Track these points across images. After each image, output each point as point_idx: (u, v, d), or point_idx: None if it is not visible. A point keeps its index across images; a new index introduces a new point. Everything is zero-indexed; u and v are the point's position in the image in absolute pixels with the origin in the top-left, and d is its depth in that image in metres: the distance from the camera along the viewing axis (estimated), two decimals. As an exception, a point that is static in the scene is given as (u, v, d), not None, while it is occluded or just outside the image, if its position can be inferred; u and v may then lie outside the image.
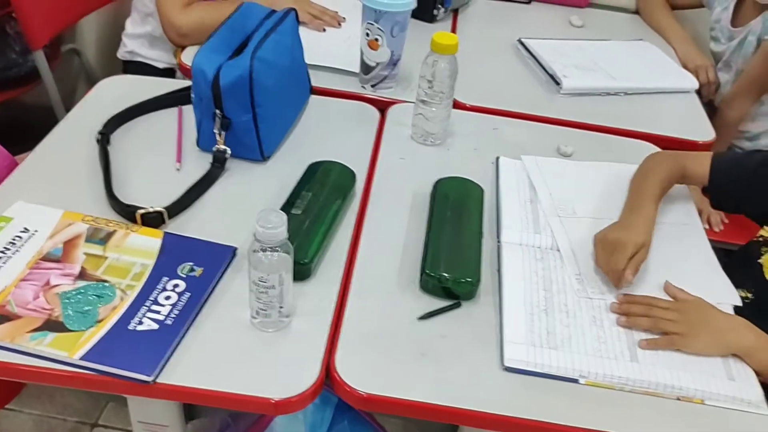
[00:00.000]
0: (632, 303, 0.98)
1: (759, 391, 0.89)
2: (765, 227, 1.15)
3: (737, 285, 1.12)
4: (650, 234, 1.04)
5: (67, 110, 1.29)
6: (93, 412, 1.67)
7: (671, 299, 1.00)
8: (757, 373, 0.92)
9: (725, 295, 1.03)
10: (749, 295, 1.12)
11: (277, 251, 0.83)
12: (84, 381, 0.82)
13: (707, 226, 1.73)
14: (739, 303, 1.03)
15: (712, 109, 1.82)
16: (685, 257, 1.09)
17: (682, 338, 0.93)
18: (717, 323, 0.96)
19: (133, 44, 1.77)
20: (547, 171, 1.22)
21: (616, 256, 0.99)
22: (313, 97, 1.38)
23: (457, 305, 0.96)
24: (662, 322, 0.94)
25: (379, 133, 1.32)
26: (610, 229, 1.04)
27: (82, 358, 0.81)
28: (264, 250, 0.82)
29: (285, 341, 0.89)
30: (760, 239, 1.14)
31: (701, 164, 1.16)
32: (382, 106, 1.39)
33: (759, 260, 1.12)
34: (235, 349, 0.87)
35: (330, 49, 1.52)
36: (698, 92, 1.67)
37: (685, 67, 1.72)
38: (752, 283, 1.12)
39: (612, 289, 1.00)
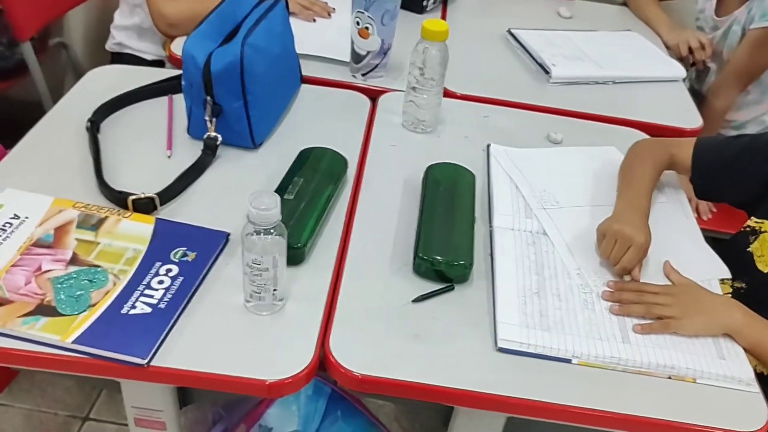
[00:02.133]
0: (623, 290, 0.98)
1: (749, 369, 0.90)
2: (752, 217, 1.15)
3: (731, 276, 1.13)
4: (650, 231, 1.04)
5: (56, 103, 1.29)
6: (84, 406, 1.66)
7: (658, 284, 1.00)
8: (747, 351, 0.93)
9: (714, 269, 1.04)
10: (743, 285, 1.13)
11: (271, 233, 0.83)
12: (77, 365, 0.81)
13: (696, 215, 1.74)
14: (728, 275, 1.04)
15: (699, 99, 1.84)
16: (672, 235, 1.10)
17: (677, 321, 0.93)
18: (708, 304, 0.97)
19: (122, 36, 1.77)
20: (520, 162, 1.22)
21: (631, 256, 0.99)
22: (304, 86, 1.38)
23: (450, 288, 0.96)
24: (655, 308, 0.95)
25: (370, 121, 1.32)
26: (621, 224, 1.02)
27: (74, 342, 0.81)
28: (258, 233, 0.82)
29: (279, 324, 0.89)
30: (748, 229, 1.14)
31: (688, 151, 1.17)
32: (373, 95, 1.39)
33: (748, 249, 1.13)
34: (228, 333, 0.87)
35: (320, 38, 1.52)
36: (693, 64, 1.69)
37: (674, 47, 1.74)
38: (745, 273, 1.12)
39: (613, 278, 1.01)
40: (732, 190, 1.17)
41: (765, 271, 1.09)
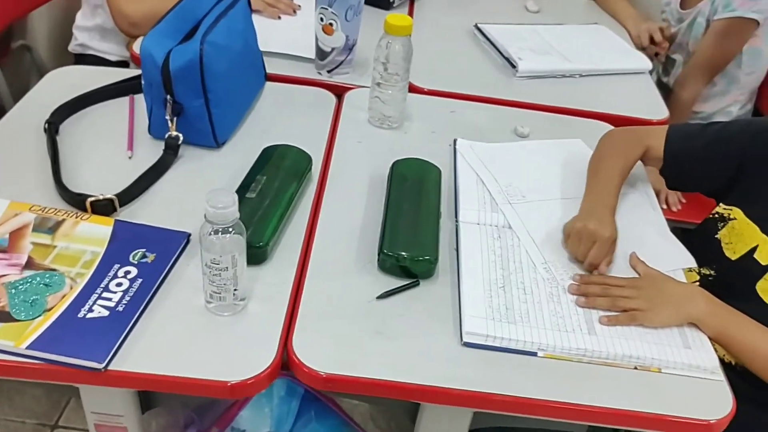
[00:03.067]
0: (589, 284, 0.98)
1: (714, 357, 0.90)
2: (720, 204, 1.15)
3: (699, 263, 1.14)
4: (616, 225, 1.04)
5: (17, 106, 1.26)
6: (53, 414, 1.63)
7: (624, 276, 1.00)
8: (712, 339, 0.93)
9: (679, 259, 1.04)
10: (712, 272, 1.13)
11: (230, 232, 0.81)
12: (32, 371, 0.79)
13: (665, 207, 1.76)
14: (694, 265, 1.05)
15: (666, 91, 1.86)
16: (638, 226, 1.10)
17: (643, 313, 0.93)
18: (673, 295, 0.97)
19: (84, 37, 1.74)
20: (485, 157, 1.21)
21: (596, 251, 1.00)
22: (269, 84, 1.37)
23: (415, 284, 0.95)
24: (621, 300, 0.95)
25: (336, 118, 1.31)
26: (584, 221, 1.02)
27: (29, 347, 0.79)
28: (216, 232, 0.81)
29: (241, 325, 0.87)
30: (716, 216, 1.15)
31: (660, 141, 1.16)
32: (339, 92, 1.38)
33: (716, 236, 1.13)
34: (189, 334, 0.85)
35: (285, 36, 1.50)
36: (657, 54, 1.72)
37: (635, 38, 1.76)
38: (713, 260, 1.13)
39: (580, 271, 1.00)
40: (704, 178, 1.17)
41: (733, 258, 1.10)
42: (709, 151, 1.14)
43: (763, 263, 1.05)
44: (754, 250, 1.07)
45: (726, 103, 1.79)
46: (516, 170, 1.19)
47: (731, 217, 1.12)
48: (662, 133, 1.17)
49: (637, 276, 1.01)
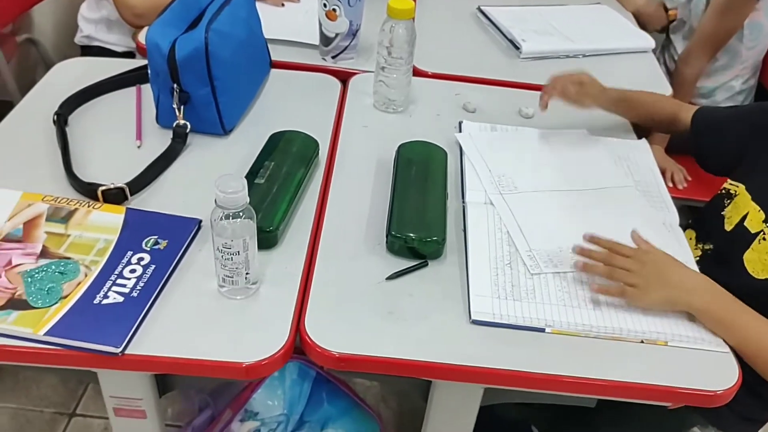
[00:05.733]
0: (596, 243, 0.95)
1: (719, 330, 0.91)
2: (728, 180, 1.16)
3: (703, 239, 1.14)
4: None
5: (25, 99, 1.28)
6: (70, 403, 1.66)
7: (631, 247, 0.97)
8: (711, 329, 0.91)
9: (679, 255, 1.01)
10: (710, 247, 1.14)
11: (240, 217, 0.83)
12: (51, 357, 0.81)
13: (671, 184, 1.77)
14: (692, 261, 1.01)
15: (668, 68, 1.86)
16: (640, 221, 1.06)
17: (633, 291, 0.91)
18: (672, 280, 0.93)
19: (90, 29, 1.75)
20: (483, 145, 1.20)
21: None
22: (274, 71, 1.38)
23: (424, 264, 0.97)
24: (619, 272, 0.92)
25: (342, 103, 1.32)
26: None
27: (47, 334, 0.80)
28: (227, 217, 0.82)
29: (254, 307, 0.89)
30: (723, 191, 1.15)
31: (688, 114, 1.22)
32: (344, 77, 1.39)
33: (722, 213, 1.13)
34: (203, 318, 0.87)
35: (290, 23, 1.51)
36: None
37: None
38: (714, 235, 1.14)
39: (563, 261, 0.98)
40: (718, 149, 1.20)
41: (728, 230, 1.10)
42: (728, 120, 1.19)
43: (752, 231, 1.06)
44: (744, 218, 1.08)
45: (728, 78, 1.79)
46: (512, 160, 1.17)
47: (736, 193, 1.12)
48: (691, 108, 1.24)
49: (647, 248, 0.96)
